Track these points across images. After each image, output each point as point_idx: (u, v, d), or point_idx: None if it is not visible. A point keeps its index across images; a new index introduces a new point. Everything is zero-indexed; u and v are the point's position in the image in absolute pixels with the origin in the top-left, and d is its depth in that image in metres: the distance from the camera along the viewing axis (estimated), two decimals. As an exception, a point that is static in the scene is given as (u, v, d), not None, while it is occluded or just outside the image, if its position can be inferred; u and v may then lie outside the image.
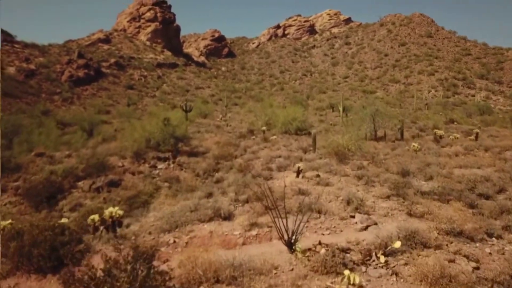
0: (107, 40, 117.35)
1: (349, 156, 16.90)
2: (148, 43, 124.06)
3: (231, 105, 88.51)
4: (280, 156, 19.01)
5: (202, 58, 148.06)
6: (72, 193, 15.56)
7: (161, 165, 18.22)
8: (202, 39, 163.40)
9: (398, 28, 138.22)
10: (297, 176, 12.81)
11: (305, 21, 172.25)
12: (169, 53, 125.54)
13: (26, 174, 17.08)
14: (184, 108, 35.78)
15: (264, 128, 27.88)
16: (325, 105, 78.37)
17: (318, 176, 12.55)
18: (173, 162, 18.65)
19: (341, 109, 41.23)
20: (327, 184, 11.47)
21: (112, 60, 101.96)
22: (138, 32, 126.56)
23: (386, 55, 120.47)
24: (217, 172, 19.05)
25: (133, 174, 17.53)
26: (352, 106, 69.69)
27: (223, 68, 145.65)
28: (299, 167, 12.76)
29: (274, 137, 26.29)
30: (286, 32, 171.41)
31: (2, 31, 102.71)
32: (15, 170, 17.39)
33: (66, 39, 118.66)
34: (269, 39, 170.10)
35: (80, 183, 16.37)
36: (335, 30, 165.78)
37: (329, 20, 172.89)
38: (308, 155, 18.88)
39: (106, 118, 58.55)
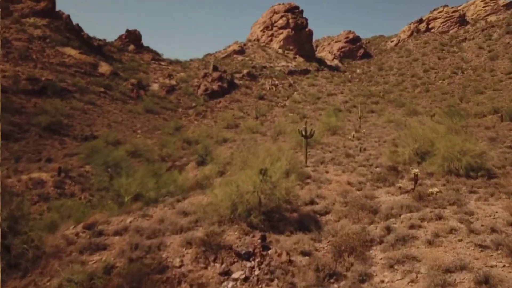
0: (241, 51, 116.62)
1: None
2: (280, 50, 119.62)
3: (367, 113, 77.11)
4: (462, 269, 9.24)
5: (336, 62, 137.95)
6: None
7: (238, 273, 10.23)
8: (336, 42, 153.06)
9: None
10: None
11: (453, 12, 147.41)
12: (301, 59, 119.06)
13: (42, 276, 10.93)
14: (303, 133, 27.40)
15: (416, 171, 17.75)
16: (486, 110, 61.45)
17: None
18: (259, 265, 10.47)
19: (528, 126, 27.66)
20: None
21: (245, 71, 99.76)
22: (271, 40, 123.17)
23: None
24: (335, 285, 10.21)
25: (191, 287, 9.94)
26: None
27: (358, 71, 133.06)
28: None
29: (435, 190, 16.01)
30: (430, 26, 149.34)
31: (152, 50, 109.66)
32: (34, 263, 11.43)
33: (205, 53, 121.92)
34: (410, 35, 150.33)
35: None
36: (492, 18, 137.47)
37: (484, 7, 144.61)
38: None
39: (232, 135, 54.00)
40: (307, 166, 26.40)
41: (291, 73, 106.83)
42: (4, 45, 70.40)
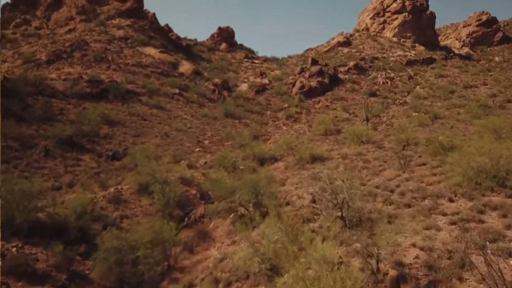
0: (347, 43, 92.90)
1: None
2: (394, 39, 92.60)
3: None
4: None
5: (466, 49, 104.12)
6: None
7: None
8: (464, 27, 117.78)
9: None
10: None
11: None
12: (421, 47, 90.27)
13: None
14: None
15: None
16: None
17: None
18: None
19: None
20: None
21: (351, 64, 76.25)
22: (383, 28, 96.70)
23: None
24: None
25: None
26: None
27: (496, 59, 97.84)
28: None
29: None
30: None
31: (246, 48, 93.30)
32: None
33: (306, 48, 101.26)
34: None
35: None
36: None
37: None
38: None
39: (328, 148, 32.56)
40: None
41: (410, 63, 79.71)
42: (82, 48, 60.14)
